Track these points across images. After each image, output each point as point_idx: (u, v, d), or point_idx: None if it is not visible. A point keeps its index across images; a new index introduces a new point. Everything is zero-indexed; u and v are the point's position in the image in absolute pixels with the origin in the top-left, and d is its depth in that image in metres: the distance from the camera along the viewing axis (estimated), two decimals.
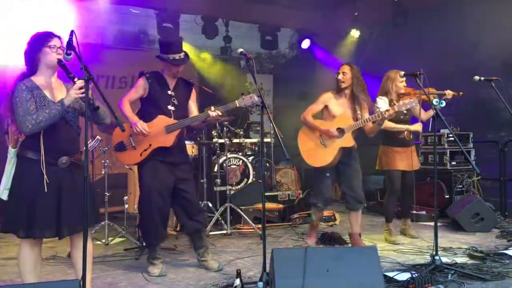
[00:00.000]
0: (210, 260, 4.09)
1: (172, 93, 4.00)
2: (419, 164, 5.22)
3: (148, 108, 3.96)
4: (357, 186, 4.57)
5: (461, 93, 4.72)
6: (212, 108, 3.85)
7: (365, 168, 8.29)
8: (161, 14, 7.97)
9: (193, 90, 4.20)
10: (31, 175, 2.90)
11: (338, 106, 4.52)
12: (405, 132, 4.96)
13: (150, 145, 3.86)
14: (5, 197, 2.96)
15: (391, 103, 4.91)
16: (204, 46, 8.88)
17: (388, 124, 4.77)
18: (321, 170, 4.58)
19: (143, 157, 3.86)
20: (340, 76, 4.51)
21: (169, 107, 3.95)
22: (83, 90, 2.80)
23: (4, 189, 2.97)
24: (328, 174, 4.58)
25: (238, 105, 3.87)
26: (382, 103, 4.92)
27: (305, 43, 9.02)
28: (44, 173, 2.87)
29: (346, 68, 4.52)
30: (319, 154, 4.48)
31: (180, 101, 4.03)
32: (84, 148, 2.77)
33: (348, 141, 4.43)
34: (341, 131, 4.42)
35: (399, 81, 4.94)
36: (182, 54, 3.97)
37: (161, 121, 3.88)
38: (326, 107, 4.54)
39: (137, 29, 8.12)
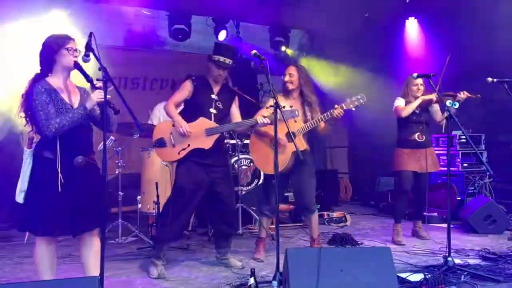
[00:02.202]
0: (232, 258, 4.16)
1: (216, 97, 4.09)
2: (438, 166, 5.20)
3: (190, 109, 4.06)
4: (306, 192, 4.38)
5: (478, 95, 4.71)
6: (262, 115, 3.99)
7: (377, 170, 8.36)
8: (173, 15, 8.04)
9: (236, 98, 4.29)
10: (47, 174, 2.93)
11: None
12: (417, 134, 4.99)
13: (189, 145, 3.94)
14: (21, 200, 2.99)
15: (407, 105, 5.03)
16: None
17: (404, 110, 4.90)
18: (265, 176, 4.50)
19: (181, 156, 3.94)
20: (287, 78, 4.38)
21: (211, 110, 4.04)
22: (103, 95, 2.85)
23: (20, 191, 3.00)
24: (274, 181, 4.27)
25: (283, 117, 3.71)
26: (398, 101, 5.08)
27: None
28: (60, 172, 2.90)
29: (292, 70, 4.39)
30: (271, 161, 4.19)
31: (223, 106, 4.11)
32: (99, 148, 2.82)
33: (299, 145, 4.08)
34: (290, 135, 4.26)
35: (413, 84, 5.04)
36: (229, 61, 4.03)
37: (202, 123, 3.97)
38: None
39: (148, 31, 8.17)
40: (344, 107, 4.17)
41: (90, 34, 2.81)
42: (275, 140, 3.47)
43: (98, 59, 2.78)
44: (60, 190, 2.90)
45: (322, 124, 4.31)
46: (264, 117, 3.96)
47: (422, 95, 5.05)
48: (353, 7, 7.28)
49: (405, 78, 5.26)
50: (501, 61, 5.87)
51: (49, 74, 3.03)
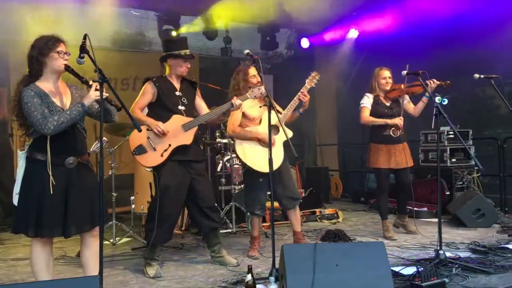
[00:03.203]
0: (226, 256, 4.19)
1: (180, 93, 4.08)
2: (411, 161, 5.15)
3: (158, 112, 4.00)
4: (290, 184, 4.48)
5: (447, 81, 4.74)
6: (235, 98, 4.00)
7: (366, 167, 8.45)
8: (162, 16, 8.06)
9: (197, 89, 4.28)
10: (38, 176, 2.95)
11: (252, 108, 4.39)
12: (391, 129, 4.96)
13: (170, 145, 3.91)
14: (16, 202, 3.01)
15: (376, 99, 5.06)
16: (205, 47, 8.96)
17: (368, 119, 4.98)
18: (252, 176, 4.37)
19: (164, 157, 3.89)
20: (254, 80, 4.38)
21: (180, 107, 4.02)
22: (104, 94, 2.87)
23: (15, 194, 3.02)
24: (261, 180, 4.35)
25: (249, 97, 3.98)
26: (366, 98, 5.07)
27: (305, 43, 9.12)
28: (50, 174, 2.91)
29: (254, 70, 4.39)
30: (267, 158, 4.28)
31: (189, 101, 4.11)
32: (91, 150, 2.83)
33: (286, 133, 4.23)
34: (275, 128, 4.25)
35: (381, 77, 5.06)
36: (189, 51, 4.07)
37: (177, 120, 3.96)
38: (243, 113, 4.39)
39: (138, 31, 8.19)
40: (308, 87, 4.33)
41: (85, 36, 2.82)
42: (270, 137, 3.51)
43: (93, 61, 2.79)
44: (51, 192, 2.91)
45: (294, 118, 4.46)
46: (236, 98, 4.00)
47: (391, 88, 5.04)
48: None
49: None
50: (488, 57, 6.00)
51: (39, 77, 3.02)
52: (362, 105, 5.07)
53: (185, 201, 4.07)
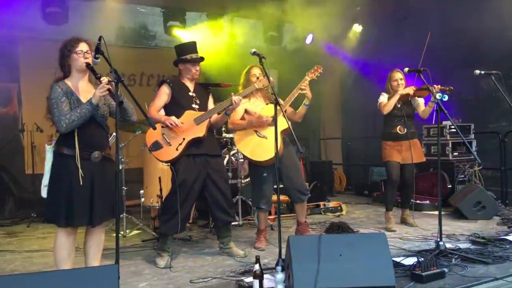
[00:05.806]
0: (234, 248, 4.34)
1: (193, 94, 4.27)
2: (422, 157, 5.43)
3: (173, 111, 4.17)
4: (298, 178, 4.60)
5: (450, 87, 4.88)
6: (232, 95, 4.13)
7: (370, 160, 8.58)
8: (167, 12, 8.18)
9: (210, 94, 4.48)
10: (67, 170, 3.16)
11: (253, 104, 4.55)
12: (398, 127, 5.23)
13: (184, 138, 4.08)
14: (44, 194, 3.23)
15: (389, 99, 5.24)
16: (210, 43, 9.05)
17: (385, 105, 5.18)
18: (256, 171, 4.49)
19: (179, 151, 4.06)
20: (254, 79, 4.47)
21: (193, 105, 4.21)
22: (106, 88, 3.06)
23: (43, 186, 3.24)
24: (265, 174, 4.45)
25: (243, 94, 4.18)
26: (382, 97, 5.32)
27: (308, 38, 9.21)
28: (79, 167, 3.12)
29: (258, 70, 4.50)
30: (266, 147, 4.33)
31: (202, 101, 4.30)
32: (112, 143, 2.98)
33: (283, 123, 4.17)
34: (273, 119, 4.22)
35: (393, 79, 5.27)
36: (196, 55, 4.24)
37: (189, 115, 4.13)
38: (245, 111, 4.51)
39: (144, 27, 8.31)
40: (308, 79, 4.44)
41: (100, 38, 2.98)
42: (276, 134, 3.64)
43: (108, 62, 2.94)
44: (81, 183, 3.12)
45: (302, 111, 4.56)
46: (235, 95, 4.15)
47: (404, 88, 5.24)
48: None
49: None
50: (491, 52, 6.08)
51: (68, 76, 3.26)
52: (379, 102, 5.32)
53: (201, 194, 4.22)
